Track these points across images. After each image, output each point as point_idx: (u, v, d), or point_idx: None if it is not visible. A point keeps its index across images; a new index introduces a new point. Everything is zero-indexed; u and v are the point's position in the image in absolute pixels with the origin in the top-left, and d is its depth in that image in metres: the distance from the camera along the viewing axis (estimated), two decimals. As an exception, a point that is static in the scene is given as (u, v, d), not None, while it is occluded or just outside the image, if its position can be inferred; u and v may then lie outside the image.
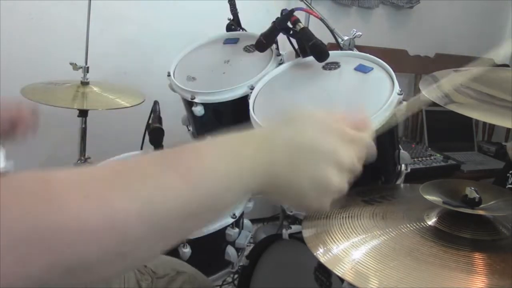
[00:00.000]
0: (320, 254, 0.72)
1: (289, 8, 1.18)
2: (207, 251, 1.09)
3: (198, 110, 1.21)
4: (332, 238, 0.75)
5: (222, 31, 1.45)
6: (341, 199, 0.51)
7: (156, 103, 1.43)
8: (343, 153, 0.49)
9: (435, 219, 0.78)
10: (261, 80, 1.18)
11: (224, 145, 0.46)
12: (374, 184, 1.07)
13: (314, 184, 0.47)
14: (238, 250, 1.17)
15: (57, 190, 0.35)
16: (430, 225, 0.77)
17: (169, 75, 1.31)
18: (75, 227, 0.34)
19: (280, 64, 1.25)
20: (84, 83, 1.56)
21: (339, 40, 1.23)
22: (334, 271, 0.68)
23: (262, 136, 0.49)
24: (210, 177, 0.42)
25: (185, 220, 0.40)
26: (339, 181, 0.49)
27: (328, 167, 0.48)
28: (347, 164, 0.50)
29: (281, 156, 0.46)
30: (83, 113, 1.56)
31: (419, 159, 2.07)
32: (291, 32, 1.19)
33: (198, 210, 0.40)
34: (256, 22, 1.40)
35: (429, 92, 0.85)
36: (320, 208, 0.49)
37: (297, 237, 1.02)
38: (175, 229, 0.40)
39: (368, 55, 1.16)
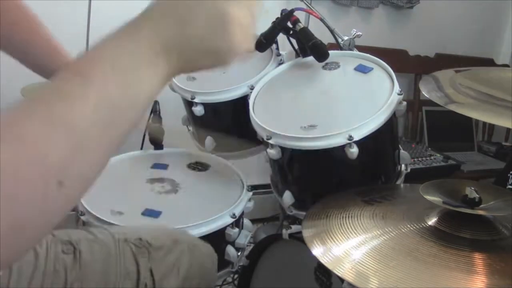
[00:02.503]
0: (320, 254, 0.72)
1: (289, 8, 1.18)
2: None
3: (198, 110, 1.21)
4: (332, 238, 0.75)
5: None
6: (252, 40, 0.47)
7: (156, 103, 1.43)
8: (237, 11, 0.44)
9: (435, 219, 0.78)
10: (261, 80, 1.18)
11: (112, 62, 0.41)
12: (374, 184, 1.07)
13: (213, 23, 0.43)
14: (238, 250, 1.17)
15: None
16: (430, 225, 0.77)
17: (169, 75, 1.31)
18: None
19: (280, 64, 1.25)
20: (84, 83, 1.56)
21: (339, 40, 1.23)
22: (334, 271, 0.68)
23: (142, 19, 0.45)
24: (111, 76, 0.40)
25: (104, 127, 0.39)
26: (241, 12, 0.44)
27: (221, 3, 0.43)
28: (242, 20, 0.45)
29: (165, 19, 0.43)
30: (83, 113, 1.56)
31: (419, 159, 2.07)
32: (291, 32, 1.19)
33: (112, 112, 0.39)
34: (256, 22, 1.40)
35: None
36: (237, 48, 0.45)
37: (297, 237, 1.02)
38: (97, 138, 0.39)
39: (368, 55, 1.16)
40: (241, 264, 1.19)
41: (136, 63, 0.41)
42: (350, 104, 1.08)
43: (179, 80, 1.28)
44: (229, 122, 1.31)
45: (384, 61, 1.11)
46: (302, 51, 1.22)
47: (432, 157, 2.11)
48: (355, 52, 1.22)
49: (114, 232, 0.80)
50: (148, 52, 0.42)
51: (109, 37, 0.42)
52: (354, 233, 0.77)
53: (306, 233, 0.80)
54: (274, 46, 1.27)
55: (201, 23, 0.43)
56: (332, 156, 0.99)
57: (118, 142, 0.41)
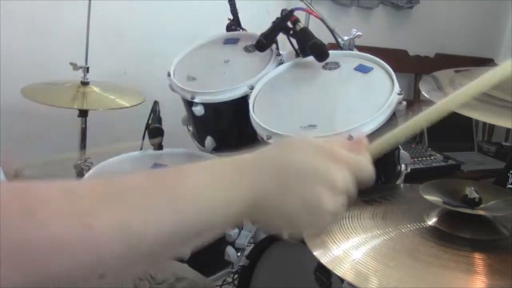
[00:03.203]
0: (320, 254, 0.72)
1: (289, 8, 1.18)
2: (207, 251, 1.08)
3: (198, 110, 1.21)
4: (332, 238, 0.75)
5: (222, 31, 1.45)
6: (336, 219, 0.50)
7: (156, 103, 1.43)
8: (335, 173, 0.46)
9: (435, 219, 0.78)
10: (261, 80, 1.18)
11: (210, 170, 0.44)
12: (374, 184, 1.06)
13: (305, 206, 0.45)
14: (238, 250, 1.17)
15: (34, 204, 0.35)
16: (430, 225, 0.77)
17: (169, 75, 1.31)
18: (49, 241, 0.34)
19: (280, 64, 1.25)
20: (84, 83, 1.56)
21: (339, 40, 1.23)
22: (334, 271, 0.68)
23: (249, 160, 0.47)
24: (194, 203, 0.41)
25: (167, 245, 0.39)
26: (332, 202, 0.46)
27: (319, 188, 0.45)
28: (340, 185, 0.47)
29: (268, 179, 0.44)
30: (83, 113, 1.56)
31: (419, 159, 2.07)
32: (291, 32, 1.19)
33: (181, 236, 0.40)
34: (256, 22, 1.40)
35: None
36: (315, 231, 0.48)
37: (297, 237, 1.02)
38: (157, 252, 0.39)
39: (368, 55, 1.16)
40: (241, 264, 1.18)
41: (220, 199, 0.42)
42: (350, 104, 1.08)
43: (179, 80, 1.28)
44: (229, 122, 1.31)
45: (384, 61, 1.11)
46: (302, 51, 1.22)
47: (432, 157, 2.11)
48: (355, 52, 1.22)
49: None
50: (235, 200, 0.43)
51: (209, 163, 0.44)
52: (354, 233, 0.77)
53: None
54: (274, 46, 1.27)
55: (297, 197, 0.45)
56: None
57: (169, 259, 0.44)
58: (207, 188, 0.42)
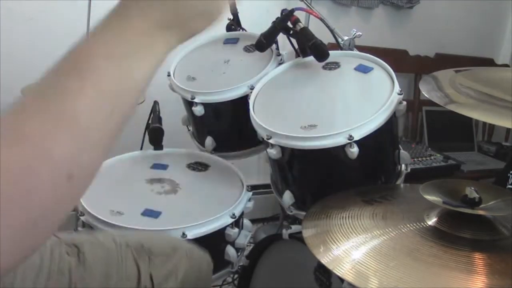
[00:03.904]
0: (320, 254, 0.72)
1: (289, 8, 1.18)
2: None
3: (198, 110, 1.21)
4: (332, 238, 0.75)
5: (222, 31, 1.45)
6: None
7: (156, 103, 1.43)
8: None
9: (435, 219, 0.78)
10: (261, 80, 1.18)
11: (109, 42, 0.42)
12: (374, 184, 1.07)
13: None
14: (238, 250, 1.17)
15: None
16: (430, 225, 0.77)
17: (169, 75, 1.31)
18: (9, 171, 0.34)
19: (280, 64, 1.25)
20: (84, 83, 1.56)
21: (339, 40, 1.23)
22: (334, 271, 0.68)
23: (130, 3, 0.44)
24: (110, 71, 0.40)
25: (107, 123, 0.40)
26: None
27: None
28: None
29: (155, 2, 0.42)
30: (83, 113, 1.56)
31: (419, 159, 2.07)
32: (291, 32, 1.19)
33: (115, 106, 0.40)
34: (256, 22, 1.40)
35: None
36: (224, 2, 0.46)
37: (297, 237, 1.02)
38: (104, 132, 0.40)
39: (368, 55, 1.16)
40: (241, 264, 1.19)
41: (131, 50, 0.41)
42: (350, 104, 1.08)
43: (179, 80, 1.28)
44: (229, 122, 1.31)
45: (384, 61, 1.11)
46: (302, 51, 1.22)
47: (432, 157, 2.11)
48: (355, 52, 1.22)
49: (116, 237, 0.82)
50: (141, 39, 0.42)
51: (99, 28, 0.42)
52: (354, 233, 0.77)
53: (306, 233, 0.80)
54: (274, 46, 1.27)
55: None
56: (332, 156, 0.99)
57: (120, 125, 0.42)
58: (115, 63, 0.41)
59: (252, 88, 1.16)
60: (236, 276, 1.51)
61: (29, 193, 0.35)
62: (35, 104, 0.39)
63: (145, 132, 1.45)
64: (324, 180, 1.06)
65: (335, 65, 1.16)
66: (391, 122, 1.01)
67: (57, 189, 0.36)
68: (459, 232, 0.74)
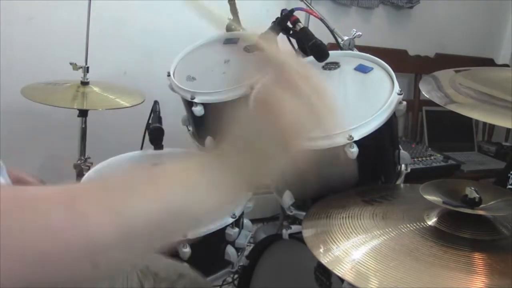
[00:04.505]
0: (320, 254, 0.72)
1: (289, 8, 1.18)
2: (207, 251, 1.09)
3: (198, 110, 1.21)
4: (332, 238, 0.75)
5: (222, 31, 1.45)
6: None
7: (156, 103, 1.43)
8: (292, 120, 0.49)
9: (435, 219, 0.78)
10: (261, 80, 1.18)
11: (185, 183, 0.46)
12: (374, 184, 1.07)
13: (273, 142, 0.48)
14: (238, 250, 1.17)
15: (34, 200, 0.37)
16: (430, 225, 0.77)
17: (169, 75, 1.31)
18: (46, 230, 0.35)
19: (280, 64, 1.25)
20: (84, 83, 1.56)
21: (339, 40, 1.23)
22: (334, 271, 0.68)
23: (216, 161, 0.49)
24: (178, 189, 0.43)
25: (153, 230, 0.41)
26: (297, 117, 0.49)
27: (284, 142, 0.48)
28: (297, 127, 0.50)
29: (243, 161, 0.47)
30: (83, 113, 1.56)
31: (419, 159, 2.07)
32: (291, 32, 1.19)
33: (166, 220, 0.41)
34: (256, 22, 1.40)
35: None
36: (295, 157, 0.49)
37: (297, 237, 1.02)
38: (145, 238, 0.41)
39: (368, 55, 1.16)
40: (241, 264, 1.18)
41: (204, 186, 0.44)
42: (350, 104, 1.08)
43: (179, 80, 1.28)
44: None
45: (384, 61, 1.11)
46: (302, 51, 1.21)
47: (432, 157, 2.11)
48: (355, 52, 1.22)
49: None
50: (219, 198, 0.45)
51: (191, 157, 0.46)
52: (354, 233, 0.77)
53: (306, 233, 0.80)
54: (274, 46, 1.27)
55: (268, 153, 0.48)
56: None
57: (163, 245, 0.43)
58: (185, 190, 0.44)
59: (252, 88, 1.16)
60: (236, 276, 1.51)
61: (54, 258, 0.36)
62: (98, 187, 0.41)
63: (145, 132, 1.45)
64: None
65: (335, 65, 1.16)
66: (391, 122, 1.01)
67: (78, 269, 0.37)
68: (459, 232, 0.74)
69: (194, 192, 0.43)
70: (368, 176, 1.06)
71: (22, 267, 0.34)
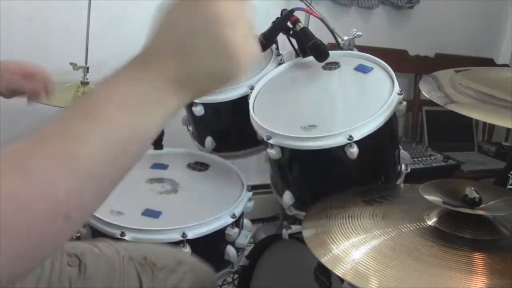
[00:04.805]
0: (320, 254, 0.72)
1: (289, 8, 1.18)
2: (207, 251, 1.09)
3: (198, 110, 1.21)
4: (332, 238, 0.75)
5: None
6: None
7: (156, 103, 1.43)
8: (232, 30, 0.45)
9: (435, 219, 0.78)
10: (261, 80, 1.18)
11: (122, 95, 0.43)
12: (374, 184, 1.07)
13: (215, 50, 0.44)
14: (238, 250, 1.17)
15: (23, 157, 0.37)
16: (430, 225, 0.77)
17: (169, 75, 1.31)
18: (6, 204, 0.35)
19: (280, 64, 1.25)
20: (84, 83, 1.56)
21: (339, 40, 1.23)
22: (334, 271, 0.68)
23: (147, 58, 0.45)
24: (122, 117, 0.41)
25: (111, 167, 0.40)
26: (234, 24, 0.46)
27: (217, 28, 0.44)
28: (235, 15, 0.47)
29: (169, 58, 0.44)
30: (83, 113, 1.56)
31: (419, 159, 2.07)
32: (291, 32, 1.19)
33: (120, 152, 0.41)
34: (256, 22, 1.40)
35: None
36: (242, 62, 0.46)
37: (297, 237, 1.02)
38: (106, 176, 0.41)
39: (368, 55, 1.16)
40: (241, 264, 1.19)
41: (143, 103, 0.42)
42: (350, 104, 1.08)
43: (179, 80, 1.28)
44: (229, 122, 1.31)
45: (384, 61, 1.11)
46: (302, 51, 1.22)
47: (432, 157, 2.11)
48: (355, 52, 1.22)
49: (119, 249, 0.82)
50: (155, 93, 0.43)
51: (115, 76, 0.44)
52: (354, 233, 0.77)
53: (306, 233, 0.80)
54: (274, 46, 1.27)
55: (203, 53, 0.44)
56: (332, 156, 0.99)
57: (123, 174, 0.42)
58: (127, 115, 0.42)
59: (252, 88, 1.16)
60: (236, 276, 1.51)
61: (23, 227, 0.35)
62: (43, 142, 0.39)
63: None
64: (324, 180, 1.06)
65: (335, 65, 1.16)
66: (391, 122, 1.01)
67: (53, 227, 0.37)
68: (459, 232, 0.74)
69: (136, 114, 0.42)
70: (368, 176, 1.06)
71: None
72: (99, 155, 0.39)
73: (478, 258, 0.68)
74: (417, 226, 0.77)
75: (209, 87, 0.47)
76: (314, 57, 1.13)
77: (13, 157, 0.37)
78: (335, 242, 0.74)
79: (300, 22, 1.18)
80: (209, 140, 1.29)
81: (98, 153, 0.39)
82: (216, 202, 1.14)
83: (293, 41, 1.24)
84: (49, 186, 0.37)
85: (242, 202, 1.16)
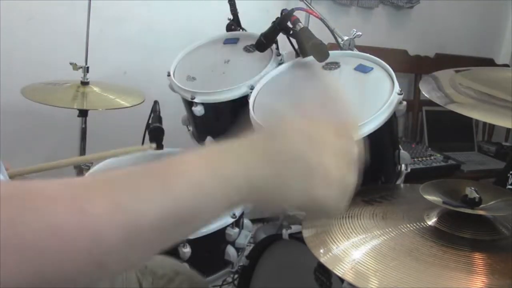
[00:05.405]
0: (320, 254, 0.72)
1: (289, 8, 1.18)
2: (207, 251, 1.09)
3: (198, 110, 1.21)
4: (332, 238, 0.75)
5: (222, 31, 1.45)
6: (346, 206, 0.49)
7: (156, 103, 1.43)
8: (331, 166, 0.46)
9: (435, 219, 0.78)
10: (261, 80, 1.18)
11: (205, 156, 0.45)
12: (374, 184, 1.07)
13: (304, 201, 0.46)
14: (238, 250, 1.17)
15: (33, 196, 0.36)
16: (430, 225, 0.77)
17: (169, 75, 1.31)
18: (48, 230, 0.34)
19: (280, 64, 1.25)
20: (84, 83, 1.56)
21: (339, 40, 1.23)
22: (334, 271, 0.68)
23: (246, 147, 0.47)
24: (190, 189, 0.41)
25: (162, 232, 0.39)
26: (331, 195, 0.46)
27: (316, 183, 0.45)
28: (336, 176, 0.46)
29: (265, 169, 0.44)
30: (83, 113, 1.56)
31: (419, 159, 2.07)
32: (291, 32, 1.19)
33: (175, 220, 0.40)
34: (256, 22, 1.40)
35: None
36: (324, 218, 0.48)
37: (297, 237, 1.02)
38: (152, 239, 0.40)
39: (368, 55, 1.16)
40: (241, 264, 1.18)
41: (217, 197, 0.42)
42: (350, 104, 1.08)
43: (179, 80, 1.28)
44: (229, 122, 1.31)
45: (384, 61, 1.11)
46: (302, 51, 1.21)
47: (432, 157, 2.11)
48: (355, 52, 1.21)
49: None
50: (232, 194, 0.43)
51: (206, 153, 0.45)
52: (354, 233, 0.77)
53: (306, 233, 0.80)
54: (274, 46, 1.27)
55: (294, 177, 0.45)
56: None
57: (167, 247, 0.42)
58: (203, 177, 0.42)
59: (252, 88, 1.16)
60: (236, 276, 1.51)
61: (55, 262, 0.35)
62: (108, 186, 0.39)
63: (145, 131, 1.45)
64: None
65: (335, 65, 1.16)
66: (391, 122, 1.01)
67: (83, 268, 0.36)
68: (459, 232, 0.74)
69: (206, 195, 0.41)
70: (368, 176, 1.05)
71: (20, 263, 0.33)
72: (156, 223, 0.38)
73: (478, 258, 0.68)
74: (417, 226, 0.77)
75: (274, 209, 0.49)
76: (314, 57, 1.13)
77: (71, 188, 0.37)
78: (335, 242, 0.74)
79: (300, 22, 1.18)
80: (209, 140, 1.29)
81: (155, 220, 0.38)
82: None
83: (293, 41, 1.24)
84: (98, 230, 0.36)
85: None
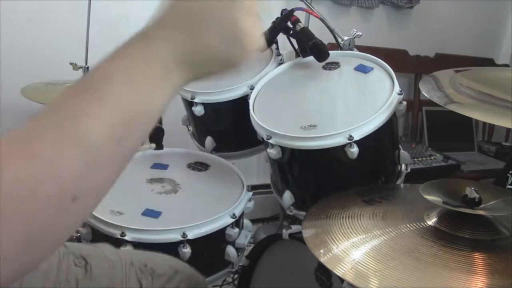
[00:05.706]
0: (320, 254, 0.72)
1: (289, 8, 1.18)
2: (207, 251, 1.09)
3: (198, 110, 1.21)
4: (332, 238, 0.75)
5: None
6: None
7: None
8: (240, 18, 0.45)
9: (435, 219, 0.78)
10: (261, 80, 1.18)
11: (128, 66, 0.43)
12: (374, 184, 1.07)
13: (224, 32, 0.44)
14: (238, 250, 1.17)
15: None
16: (430, 225, 0.77)
17: (169, 75, 1.31)
18: (16, 185, 0.34)
19: (280, 64, 1.25)
20: (84, 83, 1.56)
21: (339, 40, 1.23)
22: (334, 271, 0.68)
23: (153, 28, 0.45)
24: (126, 93, 0.41)
25: (117, 140, 0.40)
26: (245, 14, 0.45)
27: (229, 12, 0.44)
28: (245, 29, 0.46)
29: (177, 32, 0.43)
30: (83, 113, 1.56)
31: (419, 159, 2.07)
32: (291, 32, 1.19)
33: (125, 127, 0.40)
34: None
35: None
36: (246, 51, 0.46)
37: (297, 237, 1.02)
38: (109, 151, 0.40)
39: (368, 55, 1.16)
40: (241, 264, 1.19)
41: (150, 79, 0.42)
42: (350, 104, 1.08)
43: (179, 80, 1.28)
44: (229, 122, 1.31)
45: (384, 61, 1.11)
46: (302, 51, 1.22)
47: (432, 157, 2.11)
48: (355, 52, 1.22)
49: (121, 253, 0.84)
50: (161, 68, 0.43)
51: (120, 51, 0.43)
52: (354, 233, 0.77)
53: (306, 233, 0.80)
54: (274, 46, 1.27)
55: (212, 33, 0.44)
56: (332, 156, 0.99)
57: (132, 153, 0.42)
58: (135, 88, 0.41)
59: (252, 88, 1.16)
60: (236, 276, 1.51)
61: (32, 212, 0.35)
62: (49, 122, 0.38)
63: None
64: (324, 180, 1.06)
65: (335, 65, 1.16)
66: (391, 122, 1.02)
67: (61, 209, 0.36)
68: (459, 232, 0.74)
69: (143, 92, 0.41)
70: (368, 176, 1.06)
71: (7, 223, 0.33)
72: (107, 134, 0.39)
73: (478, 258, 0.68)
74: (417, 226, 0.77)
75: (211, 68, 0.47)
76: (314, 57, 1.13)
77: (18, 140, 0.36)
78: (335, 242, 0.74)
79: (300, 22, 1.18)
80: (209, 140, 1.29)
81: (106, 132, 0.38)
82: (216, 202, 1.14)
83: (293, 41, 1.24)
84: (54, 168, 0.36)
85: (242, 202, 1.16)
